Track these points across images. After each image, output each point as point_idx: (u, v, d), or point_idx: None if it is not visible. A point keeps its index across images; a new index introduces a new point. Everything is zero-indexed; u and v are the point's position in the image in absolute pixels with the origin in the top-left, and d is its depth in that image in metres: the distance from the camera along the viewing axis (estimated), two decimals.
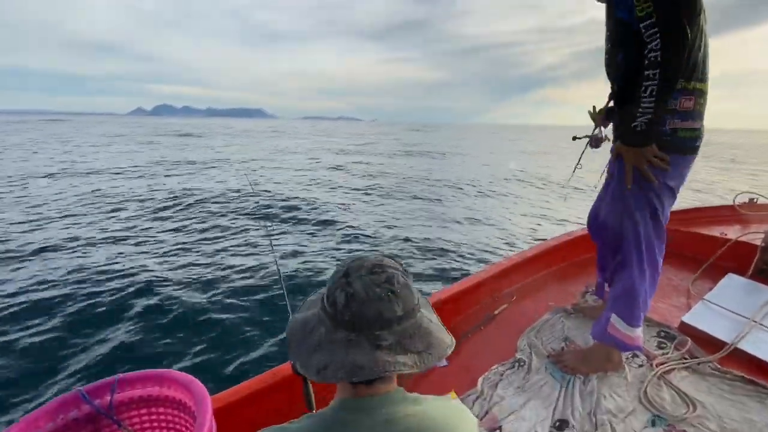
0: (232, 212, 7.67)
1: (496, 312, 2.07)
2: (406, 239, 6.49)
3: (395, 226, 7.42)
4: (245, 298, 4.16)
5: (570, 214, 8.65)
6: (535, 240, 6.64)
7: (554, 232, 5.32)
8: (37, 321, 3.72)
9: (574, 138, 2.05)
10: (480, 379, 1.59)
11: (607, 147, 1.79)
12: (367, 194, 10.72)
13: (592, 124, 1.77)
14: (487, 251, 6.13)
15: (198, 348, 3.33)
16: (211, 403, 0.86)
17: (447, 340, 0.66)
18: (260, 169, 14.79)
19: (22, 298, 4.08)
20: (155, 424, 1.01)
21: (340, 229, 6.94)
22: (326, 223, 7.32)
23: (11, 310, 3.87)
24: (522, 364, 1.69)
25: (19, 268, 4.88)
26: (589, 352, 1.69)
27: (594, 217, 1.77)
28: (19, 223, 6.82)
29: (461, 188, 12.15)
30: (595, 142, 1.79)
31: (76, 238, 6.01)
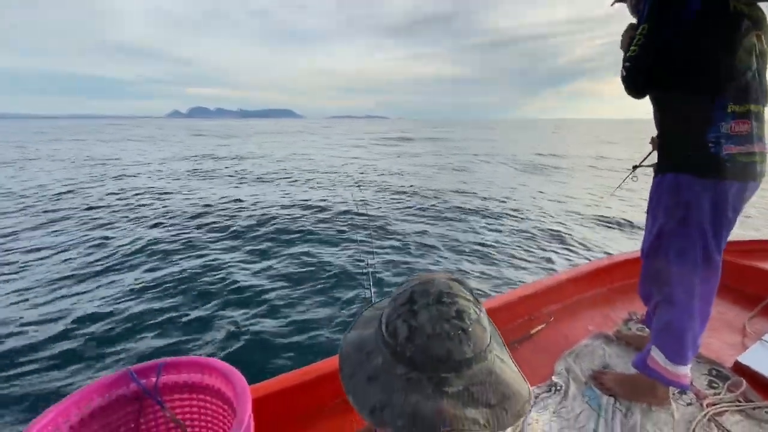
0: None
1: (532, 332, 2.00)
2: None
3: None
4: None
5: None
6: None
7: None
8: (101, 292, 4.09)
9: (634, 167, 1.96)
10: None
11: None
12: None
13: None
14: None
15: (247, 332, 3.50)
16: (250, 398, 0.87)
17: (524, 392, 0.55)
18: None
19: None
20: (194, 410, 1.04)
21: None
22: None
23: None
24: (558, 388, 1.62)
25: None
26: (632, 379, 1.60)
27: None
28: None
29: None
30: None
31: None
